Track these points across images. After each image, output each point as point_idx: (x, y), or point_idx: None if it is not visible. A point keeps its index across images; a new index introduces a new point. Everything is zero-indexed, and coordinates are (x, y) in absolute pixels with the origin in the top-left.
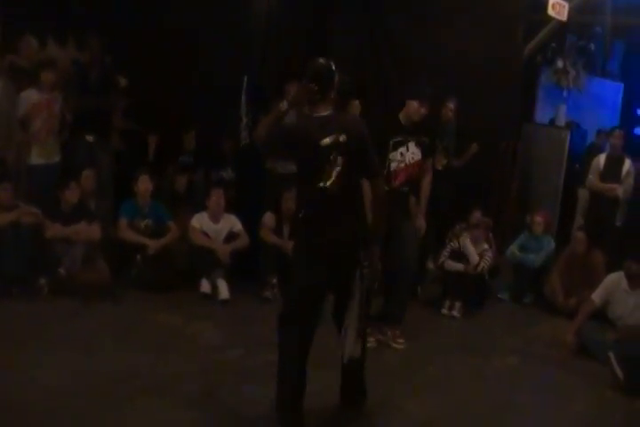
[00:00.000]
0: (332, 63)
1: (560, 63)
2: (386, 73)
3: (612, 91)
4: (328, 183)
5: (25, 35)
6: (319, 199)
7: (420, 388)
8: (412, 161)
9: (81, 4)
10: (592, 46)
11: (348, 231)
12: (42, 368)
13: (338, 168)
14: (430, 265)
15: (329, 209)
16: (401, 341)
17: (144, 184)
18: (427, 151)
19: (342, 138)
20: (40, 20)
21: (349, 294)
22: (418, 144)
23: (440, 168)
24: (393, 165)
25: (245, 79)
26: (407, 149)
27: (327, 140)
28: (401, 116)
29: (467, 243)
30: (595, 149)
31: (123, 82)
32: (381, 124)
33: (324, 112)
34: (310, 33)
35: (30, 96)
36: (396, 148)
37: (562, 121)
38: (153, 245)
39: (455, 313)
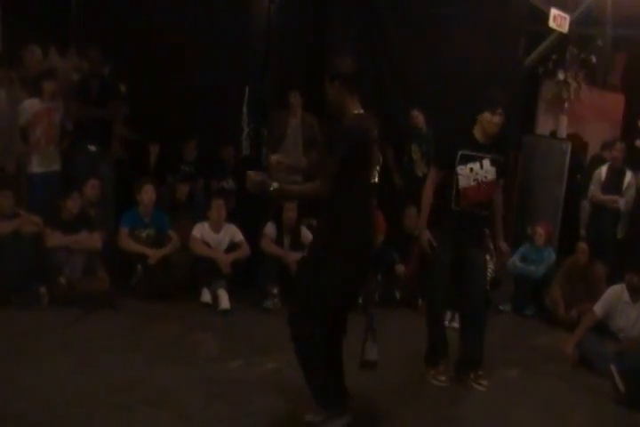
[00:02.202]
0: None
1: (561, 75)
2: (385, 85)
3: (613, 102)
4: (376, 179)
5: (29, 44)
6: (366, 197)
7: (419, 398)
8: (485, 180)
9: (82, 13)
10: (593, 58)
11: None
12: (41, 377)
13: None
14: None
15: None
16: (484, 382)
17: (148, 194)
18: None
19: (375, 132)
20: (42, 29)
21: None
22: (493, 162)
23: (421, 175)
24: (462, 182)
25: (247, 90)
26: (481, 167)
27: (374, 134)
28: (475, 130)
29: None
30: (599, 161)
31: (122, 88)
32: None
33: (358, 109)
34: (310, 45)
35: (32, 105)
36: (465, 162)
37: (563, 133)
38: (153, 254)
39: (455, 325)
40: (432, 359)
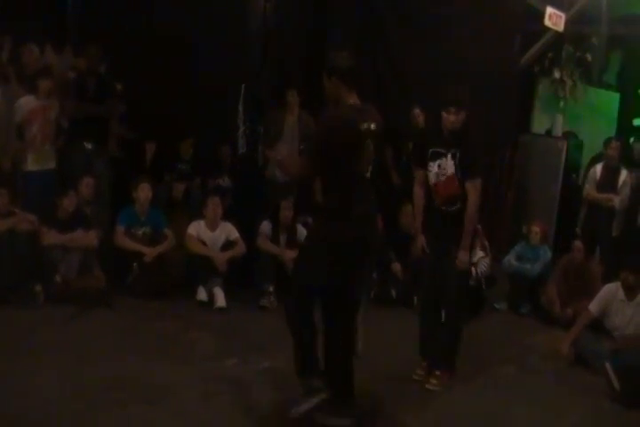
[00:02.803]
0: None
1: (557, 73)
2: (384, 84)
3: (609, 101)
4: (368, 174)
5: (27, 42)
6: (357, 192)
7: (414, 398)
8: (446, 174)
9: (78, 11)
10: (589, 57)
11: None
12: (37, 375)
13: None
14: None
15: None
16: (433, 381)
17: (144, 192)
18: (461, 167)
19: (373, 126)
20: (38, 27)
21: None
22: (452, 157)
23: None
24: (432, 179)
25: (243, 88)
26: (446, 162)
27: (365, 126)
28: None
29: None
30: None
31: (118, 86)
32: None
33: (354, 101)
34: (308, 43)
35: (28, 103)
36: (435, 159)
37: (559, 131)
38: (150, 252)
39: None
40: (420, 353)
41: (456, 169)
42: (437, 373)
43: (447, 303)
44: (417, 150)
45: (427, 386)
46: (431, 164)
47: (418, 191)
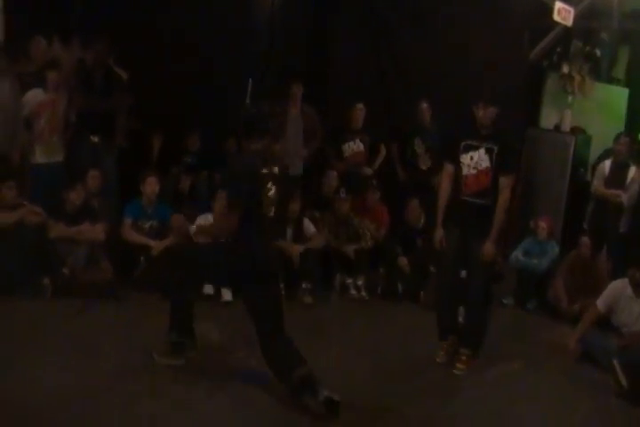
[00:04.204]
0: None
1: (565, 68)
2: (388, 77)
3: (617, 96)
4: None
5: (35, 35)
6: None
7: (421, 392)
8: (480, 168)
9: (85, 3)
10: (598, 52)
11: None
12: (44, 368)
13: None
14: (433, 269)
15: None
16: (460, 366)
17: (151, 185)
18: (497, 161)
19: (275, 170)
20: (45, 19)
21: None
22: (487, 151)
23: (424, 168)
24: (464, 171)
25: (250, 82)
26: (479, 155)
27: (266, 170)
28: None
29: None
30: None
31: (123, 75)
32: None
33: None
34: (312, 37)
35: (36, 95)
36: (467, 151)
37: (567, 126)
38: (157, 246)
39: (459, 318)
40: (439, 336)
41: (491, 163)
42: (464, 351)
43: (472, 294)
44: (448, 144)
45: (454, 371)
46: (463, 156)
47: (445, 184)
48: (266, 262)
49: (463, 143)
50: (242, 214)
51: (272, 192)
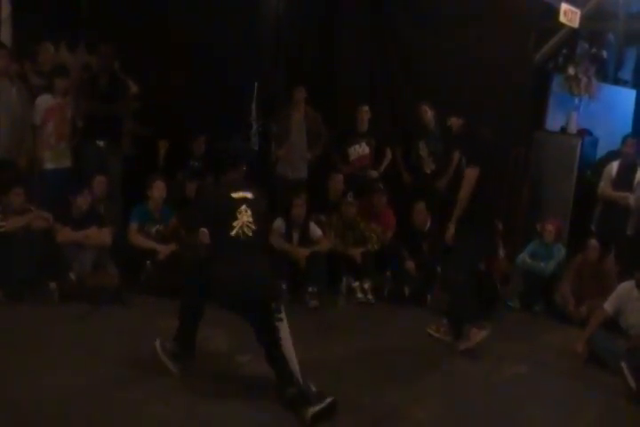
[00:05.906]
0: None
1: (572, 70)
2: (394, 78)
3: (624, 98)
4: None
5: (43, 41)
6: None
7: (427, 395)
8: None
9: (92, 9)
10: (604, 53)
11: None
12: (51, 372)
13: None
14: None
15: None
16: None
17: (158, 190)
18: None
19: (249, 195)
20: (52, 25)
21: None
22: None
23: (428, 172)
24: None
25: (256, 86)
26: None
27: (238, 194)
28: None
29: None
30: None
31: (134, 89)
32: None
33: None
34: (319, 40)
35: (45, 101)
36: None
37: (573, 128)
38: (163, 250)
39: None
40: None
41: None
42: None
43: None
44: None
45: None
46: None
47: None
48: (238, 292)
49: None
50: (211, 239)
51: (247, 214)
